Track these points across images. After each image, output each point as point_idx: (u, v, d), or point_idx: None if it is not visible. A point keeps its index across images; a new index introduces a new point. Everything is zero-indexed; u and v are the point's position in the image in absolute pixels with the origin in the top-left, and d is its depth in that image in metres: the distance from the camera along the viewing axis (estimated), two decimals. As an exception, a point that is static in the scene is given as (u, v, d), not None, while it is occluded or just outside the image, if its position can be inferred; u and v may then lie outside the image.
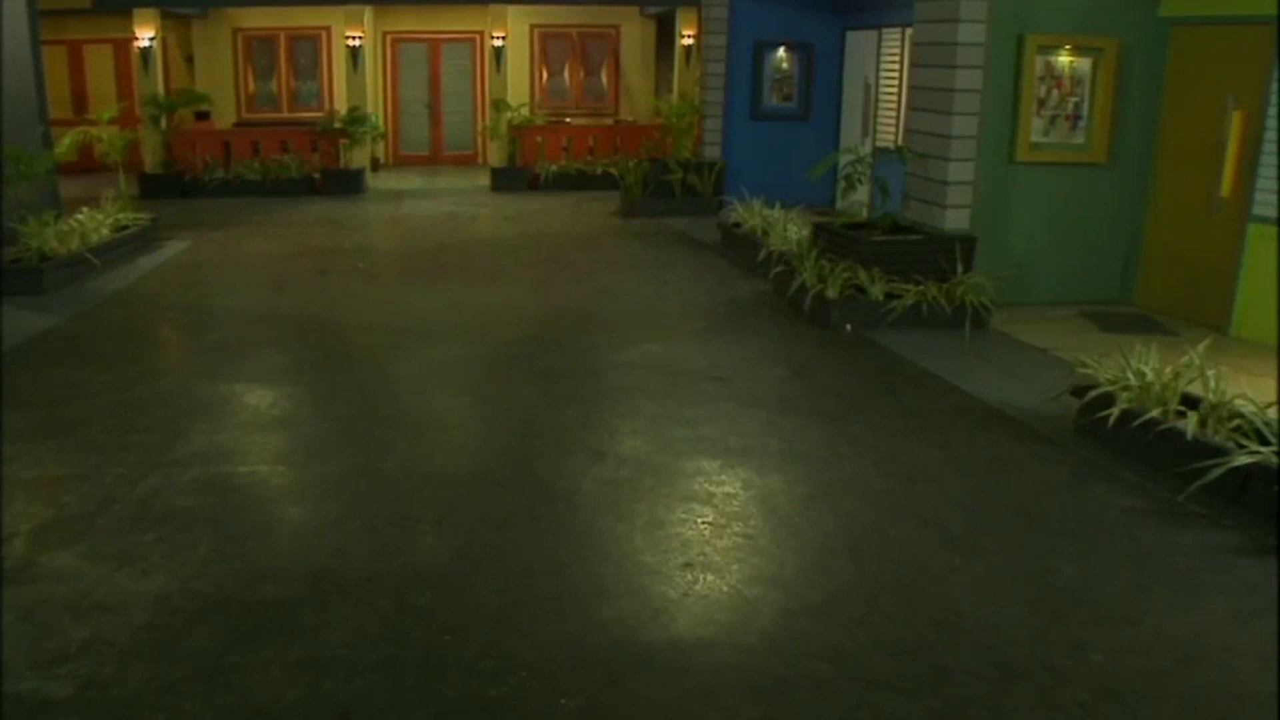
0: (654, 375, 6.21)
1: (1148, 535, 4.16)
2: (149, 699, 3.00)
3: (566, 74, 17.95)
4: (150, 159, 14.44)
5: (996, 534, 4.17)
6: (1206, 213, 7.36)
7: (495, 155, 15.49)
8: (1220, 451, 4.34)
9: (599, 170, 14.88)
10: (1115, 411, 4.85)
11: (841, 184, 8.18)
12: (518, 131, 15.35)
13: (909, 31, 9.98)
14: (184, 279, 9.18)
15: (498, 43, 15.72)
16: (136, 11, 14.21)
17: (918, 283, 7.28)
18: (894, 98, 11.47)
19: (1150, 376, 4.96)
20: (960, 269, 7.31)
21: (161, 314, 8.14)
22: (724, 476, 4.66)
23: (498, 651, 3.25)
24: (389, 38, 17.40)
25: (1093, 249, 7.95)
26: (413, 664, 3.18)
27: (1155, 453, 4.68)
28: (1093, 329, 7.29)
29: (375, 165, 16.40)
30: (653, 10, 17.06)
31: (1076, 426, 5.22)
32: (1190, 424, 4.56)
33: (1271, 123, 6.82)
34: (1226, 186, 7.20)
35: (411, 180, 15.92)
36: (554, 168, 15.05)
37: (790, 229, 9.18)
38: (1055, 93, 7.67)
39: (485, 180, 15.34)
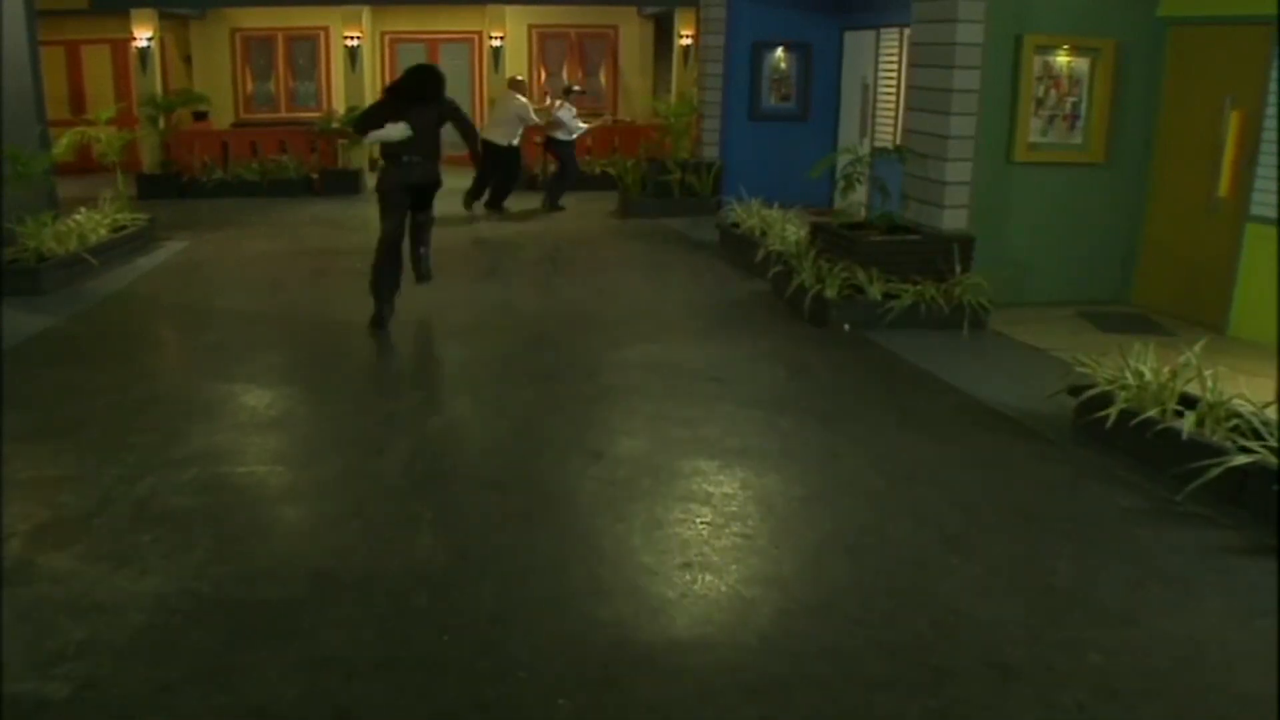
0: (652, 375, 6.21)
1: (1146, 535, 4.17)
2: (147, 699, 2.99)
3: (565, 74, 17.93)
4: (148, 159, 14.42)
5: (994, 534, 4.17)
6: (1204, 213, 7.37)
7: (494, 155, 15.45)
8: (1218, 451, 4.35)
9: (597, 170, 14.87)
10: (1113, 411, 4.86)
11: (840, 184, 8.18)
12: (516, 131, 15.31)
13: (907, 32, 9.99)
14: (182, 279, 9.17)
15: (496, 43, 15.71)
16: (134, 12, 14.20)
17: (916, 283, 7.28)
18: (892, 98, 11.47)
19: (1148, 376, 4.96)
20: (958, 269, 7.31)
21: (159, 314, 8.13)
22: (722, 477, 4.66)
23: (496, 652, 3.25)
24: (387, 38, 17.39)
25: (1091, 249, 7.95)
26: (411, 665, 3.18)
27: (1153, 452, 4.68)
28: (1090, 329, 7.29)
29: (373, 165, 16.37)
30: (651, 10, 17.05)
31: (1074, 426, 5.22)
32: (1188, 423, 4.57)
33: (1269, 123, 6.83)
34: (1224, 186, 7.20)
35: (409, 180, 15.85)
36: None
37: (788, 229, 9.18)
38: (1053, 93, 7.68)
39: (483, 180, 15.31)
